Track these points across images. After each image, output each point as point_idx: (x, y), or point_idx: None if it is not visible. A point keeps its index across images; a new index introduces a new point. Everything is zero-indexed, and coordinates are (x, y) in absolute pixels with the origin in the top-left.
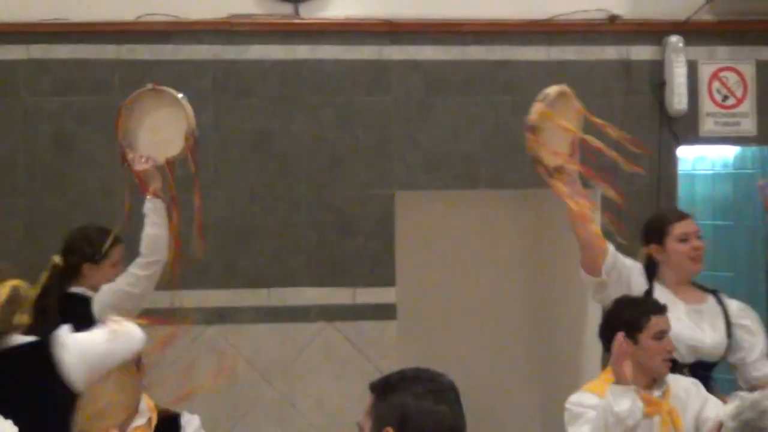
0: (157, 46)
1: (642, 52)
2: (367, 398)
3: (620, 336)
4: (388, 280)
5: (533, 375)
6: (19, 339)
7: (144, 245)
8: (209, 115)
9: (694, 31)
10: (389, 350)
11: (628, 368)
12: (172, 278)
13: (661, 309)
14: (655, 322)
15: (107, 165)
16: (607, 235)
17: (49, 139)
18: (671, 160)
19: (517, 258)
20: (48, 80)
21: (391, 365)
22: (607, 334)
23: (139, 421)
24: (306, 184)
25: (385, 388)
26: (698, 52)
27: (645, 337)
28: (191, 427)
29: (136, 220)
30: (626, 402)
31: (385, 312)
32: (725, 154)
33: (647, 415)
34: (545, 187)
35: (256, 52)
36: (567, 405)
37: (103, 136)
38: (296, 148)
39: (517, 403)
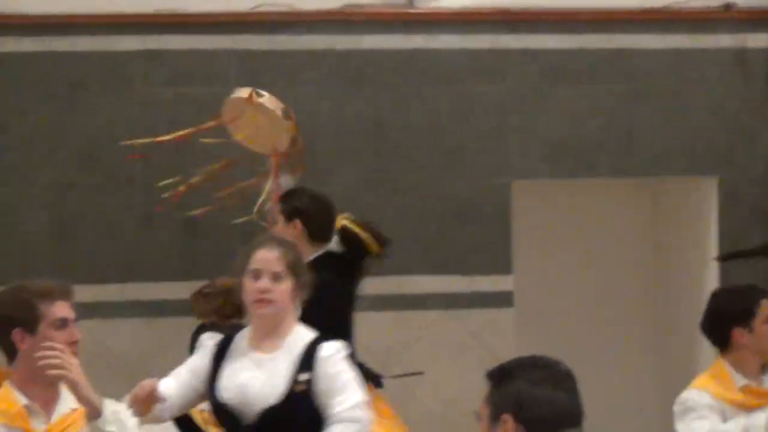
0: (272, 37)
1: (758, 40)
2: (485, 386)
3: None
4: (505, 268)
5: (650, 363)
6: None
7: None
8: (325, 105)
9: None
10: (506, 338)
11: None
12: None
13: (765, 292)
14: (764, 306)
15: (222, 155)
16: None
17: (165, 130)
18: None
19: (635, 246)
20: (163, 71)
21: (508, 353)
22: (716, 329)
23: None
24: (423, 173)
25: (501, 376)
26: None
27: (758, 323)
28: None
29: None
30: None
31: (502, 300)
32: None
33: (754, 408)
34: (664, 174)
35: (371, 41)
36: (678, 402)
37: (218, 126)
38: (413, 137)
39: (635, 390)
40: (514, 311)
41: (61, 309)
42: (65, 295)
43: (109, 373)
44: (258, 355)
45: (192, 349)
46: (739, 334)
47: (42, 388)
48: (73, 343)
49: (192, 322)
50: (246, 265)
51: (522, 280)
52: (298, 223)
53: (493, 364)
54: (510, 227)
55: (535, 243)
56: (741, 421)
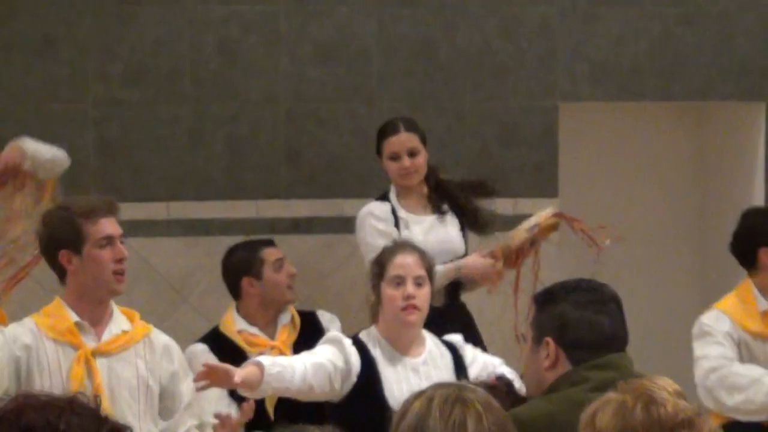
0: None
1: None
2: (531, 310)
3: None
4: (551, 192)
5: (696, 287)
6: None
7: None
8: (373, 25)
9: None
10: (551, 262)
11: None
12: None
13: None
14: None
15: (271, 72)
16: None
17: (215, 48)
18: None
19: (681, 171)
20: None
21: (552, 277)
22: (743, 248)
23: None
24: (469, 95)
25: (545, 299)
26: None
27: None
28: (334, 326)
29: None
30: None
31: None
32: None
33: None
34: (711, 99)
35: None
36: (698, 323)
37: (267, 44)
38: (460, 58)
39: (680, 316)
40: (558, 235)
41: (106, 227)
42: (110, 212)
43: (153, 291)
44: (411, 361)
45: (227, 274)
46: (765, 254)
47: (92, 307)
48: (119, 261)
49: (235, 241)
50: (382, 272)
51: (568, 203)
52: None
53: (537, 288)
54: (557, 150)
55: (581, 166)
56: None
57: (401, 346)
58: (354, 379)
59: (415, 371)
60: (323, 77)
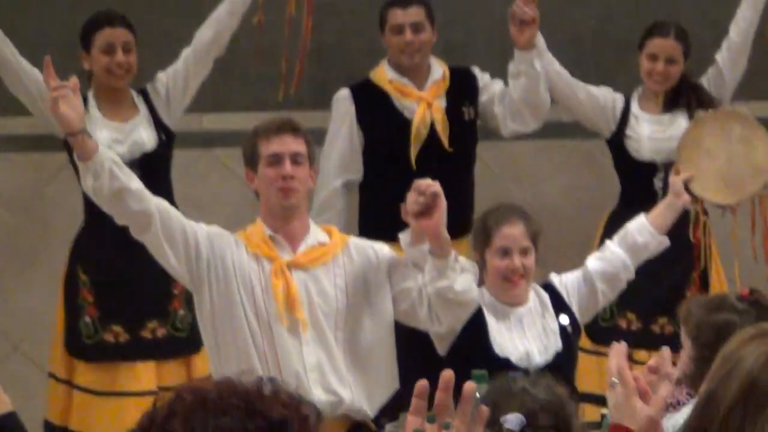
0: None
1: None
2: None
3: None
4: None
5: None
6: None
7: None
8: None
9: None
10: None
11: None
12: None
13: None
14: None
15: None
16: None
17: None
18: None
19: None
20: None
21: None
22: None
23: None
24: None
25: None
26: None
27: None
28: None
29: None
30: None
31: None
32: None
33: None
34: None
35: None
36: None
37: None
38: None
39: None
40: None
41: (274, 144)
42: (282, 130)
43: None
44: (516, 311)
45: None
46: None
47: (281, 223)
48: (284, 178)
49: None
50: (488, 240)
51: None
52: None
53: None
54: None
55: None
56: None
57: (506, 302)
58: None
59: (519, 321)
60: None
